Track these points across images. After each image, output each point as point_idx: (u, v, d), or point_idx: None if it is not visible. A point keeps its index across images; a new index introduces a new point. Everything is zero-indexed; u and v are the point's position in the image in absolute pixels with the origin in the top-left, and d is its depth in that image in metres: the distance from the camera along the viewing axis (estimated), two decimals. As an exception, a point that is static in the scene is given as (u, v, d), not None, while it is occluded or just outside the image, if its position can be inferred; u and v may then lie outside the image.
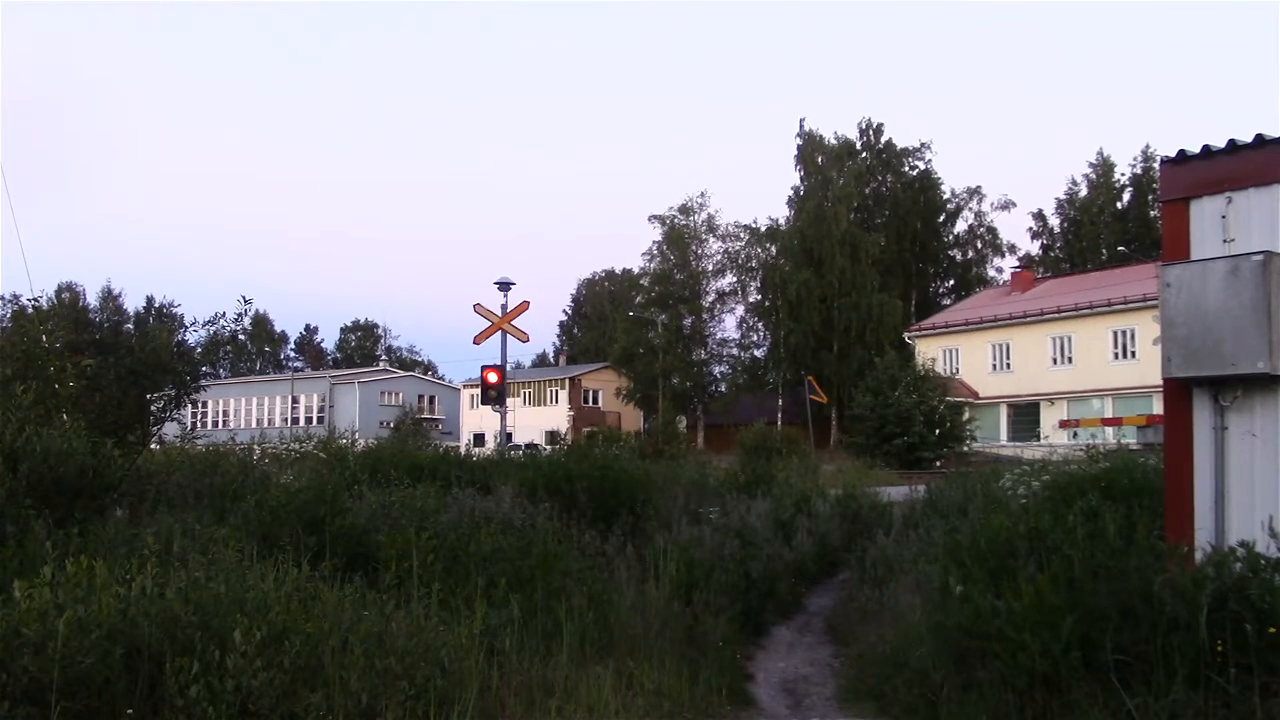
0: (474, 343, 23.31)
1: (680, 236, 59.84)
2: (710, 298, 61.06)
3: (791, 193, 61.50)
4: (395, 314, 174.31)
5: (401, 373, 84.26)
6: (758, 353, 62.11)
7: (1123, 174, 70.15)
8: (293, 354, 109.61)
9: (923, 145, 66.18)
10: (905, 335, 53.72)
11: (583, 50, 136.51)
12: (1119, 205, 69.88)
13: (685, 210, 60.25)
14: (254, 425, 62.85)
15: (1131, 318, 42.03)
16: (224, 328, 11.61)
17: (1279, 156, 6.84)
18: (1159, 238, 8.51)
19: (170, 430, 12.11)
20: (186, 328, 11.58)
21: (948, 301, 64.83)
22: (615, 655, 7.62)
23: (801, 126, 60.84)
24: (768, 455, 29.32)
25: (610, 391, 66.91)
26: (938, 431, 38.84)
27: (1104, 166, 70.22)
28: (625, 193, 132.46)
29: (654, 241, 61.86)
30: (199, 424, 18.75)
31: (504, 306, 21.35)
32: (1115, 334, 43.64)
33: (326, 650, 5.60)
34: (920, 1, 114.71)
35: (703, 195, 63.45)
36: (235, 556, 6.73)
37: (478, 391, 30.87)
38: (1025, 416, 46.84)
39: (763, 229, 60.39)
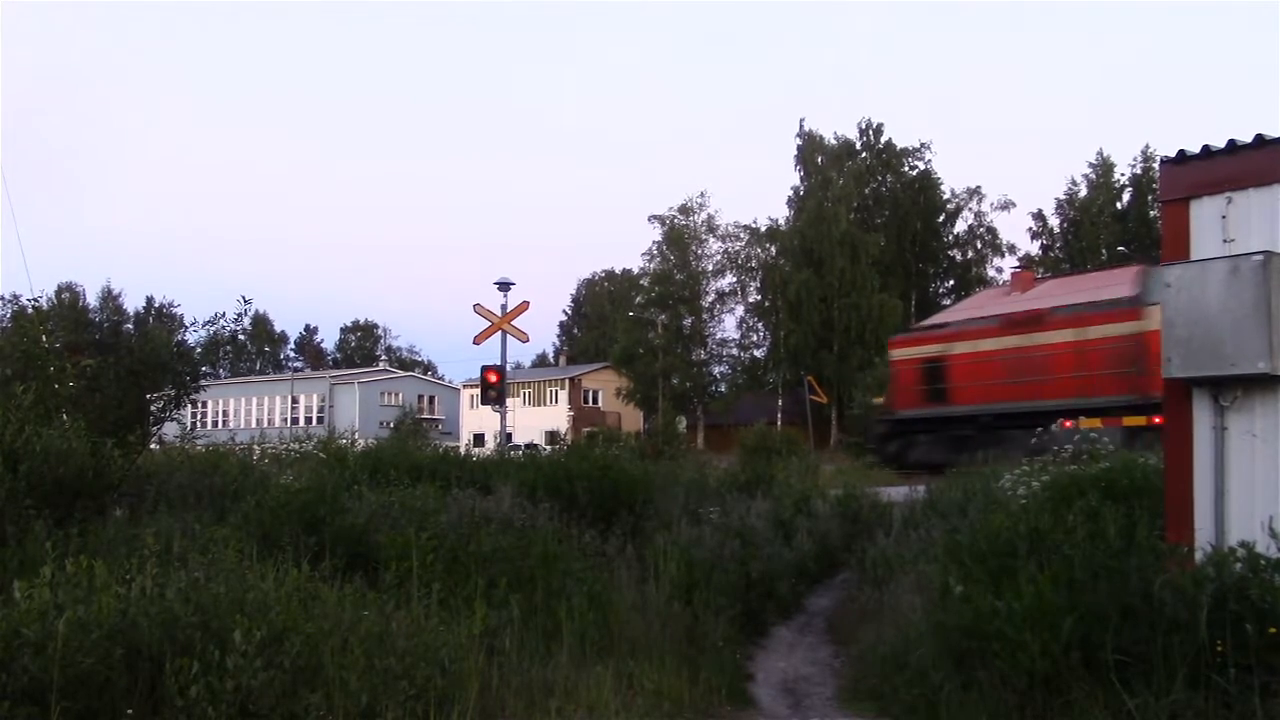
0: (474, 343, 23.25)
1: (680, 237, 59.78)
2: (710, 298, 61.02)
3: (791, 193, 61.57)
4: (395, 314, 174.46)
5: (401, 373, 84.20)
6: (758, 353, 62.17)
7: (1122, 174, 70.07)
8: (293, 354, 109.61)
9: (923, 145, 66.21)
10: (905, 335, 53.64)
11: (582, 50, 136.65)
12: (1119, 205, 69.76)
13: (685, 210, 60.20)
14: (254, 425, 62.81)
15: (1132, 318, 41.88)
16: (224, 328, 11.61)
17: (1279, 156, 6.84)
18: (1159, 238, 8.50)
19: (170, 430, 12.11)
20: (186, 328, 11.60)
21: (948, 301, 64.68)
22: (615, 655, 7.62)
23: (801, 127, 61.00)
24: (768, 455, 29.25)
25: (610, 391, 66.87)
26: (937, 432, 38.77)
27: (1104, 166, 70.08)
28: (625, 193, 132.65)
29: (654, 242, 61.87)
30: (199, 424, 18.73)
31: (504, 307, 21.34)
32: (1115, 334, 43.53)
33: (326, 650, 5.60)
34: (920, 1, 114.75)
35: (703, 195, 63.34)
36: (235, 557, 6.71)
37: (478, 391, 30.78)
38: (1025, 417, 46.67)
39: (763, 229, 60.44)
